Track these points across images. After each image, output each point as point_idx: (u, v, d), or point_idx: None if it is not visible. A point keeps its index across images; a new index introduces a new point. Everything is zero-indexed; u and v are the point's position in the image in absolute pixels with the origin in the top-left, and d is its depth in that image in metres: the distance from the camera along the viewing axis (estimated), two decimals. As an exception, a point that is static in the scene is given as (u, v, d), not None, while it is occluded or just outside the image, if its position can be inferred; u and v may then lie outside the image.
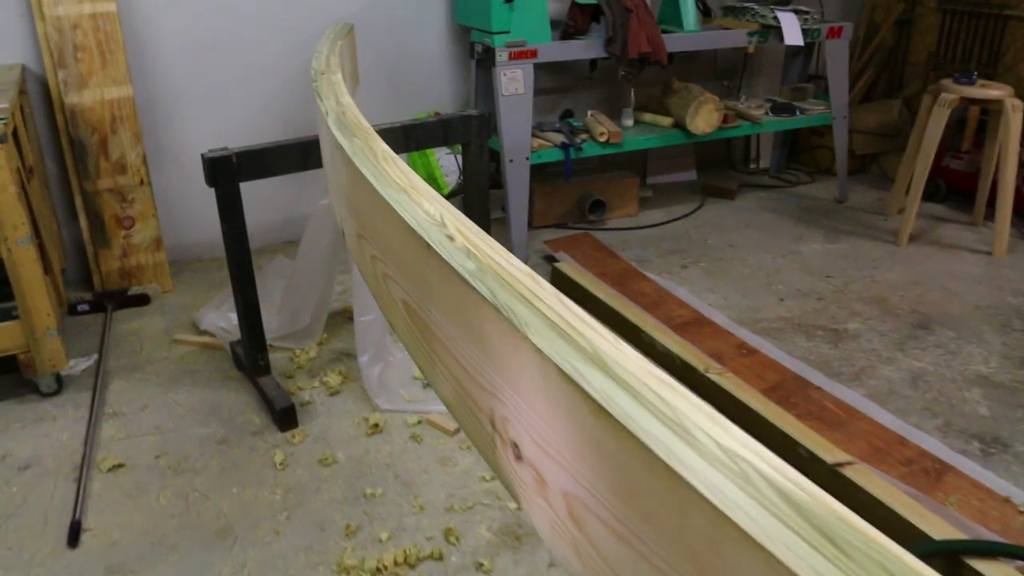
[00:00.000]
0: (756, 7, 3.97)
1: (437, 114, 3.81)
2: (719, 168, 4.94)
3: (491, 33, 3.37)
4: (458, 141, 2.69)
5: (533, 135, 3.56)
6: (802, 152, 5.05)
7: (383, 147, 1.41)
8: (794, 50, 4.50)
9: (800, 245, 3.91)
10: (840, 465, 2.12)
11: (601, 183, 4.07)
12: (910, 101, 4.97)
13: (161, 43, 3.39)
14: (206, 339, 2.97)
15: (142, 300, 3.28)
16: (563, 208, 4.05)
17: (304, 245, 2.73)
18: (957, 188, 4.38)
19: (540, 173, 3.88)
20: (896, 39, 5.05)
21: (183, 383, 2.75)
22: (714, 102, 3.77)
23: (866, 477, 2.05)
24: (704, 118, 3.77)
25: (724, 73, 4.63)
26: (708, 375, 2.66)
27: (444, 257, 0.87)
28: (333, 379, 2.69)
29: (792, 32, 3.90)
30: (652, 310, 3.18)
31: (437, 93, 3.97)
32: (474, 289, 0.77)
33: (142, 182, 3.26)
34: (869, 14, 5.07)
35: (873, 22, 5.07)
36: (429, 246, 0.92)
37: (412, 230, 0.99)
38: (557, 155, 3.61)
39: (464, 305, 0.85)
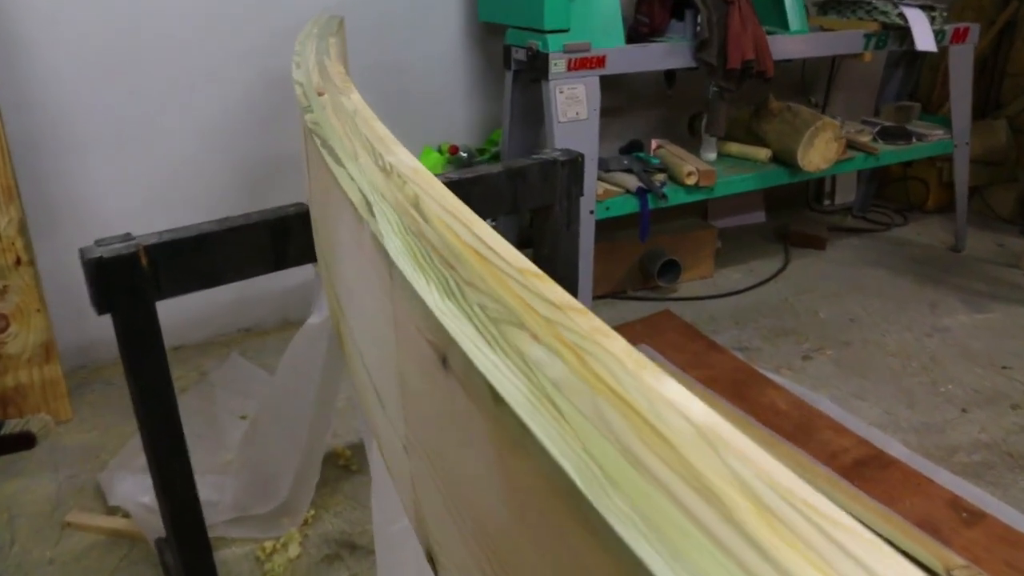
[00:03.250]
0: (872, 1, 2.98)
1: (453, 149, 2.74)
2: (790, 207, 3.94)
3: (541, 32, 2.32)
4: (535, 204, 1.62)
5: (598, 178, 2.51)
6: (885, 185, 4.08)
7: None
8: (895, 59, 3.53)
9: (940, 316, 2.91)
10: None
11: (669, 237, 3.04)
12: (1014, 120, 4.05)
13: (49, 48, 2.26)
14: (118, 522, 1.84)
15: (22, 442, 2.13)
16: (622, 271, 3.00)
17: (280, 381, 1.63)
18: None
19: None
20: (994, 47, 4.12)
21: (74, 618, 1.62)
22: (833, 129, 2.76)
23: None
24: (820, 151, 2.77)
25: (806, 88, 3.64)
26: (955, 581, 1.63)
27: None
28: (332, 605, 1.59)
29: (924, 35, 2.92)
30: (801, 440, 2.14)
31: (450, 119, 2.89)
32: None
33: (19, 261, 2.12)
34: (958, 17, 4.14)
35: (962, 25, 4.14)
36: None
37: None
38: (630, 205, 2.56)
39: None
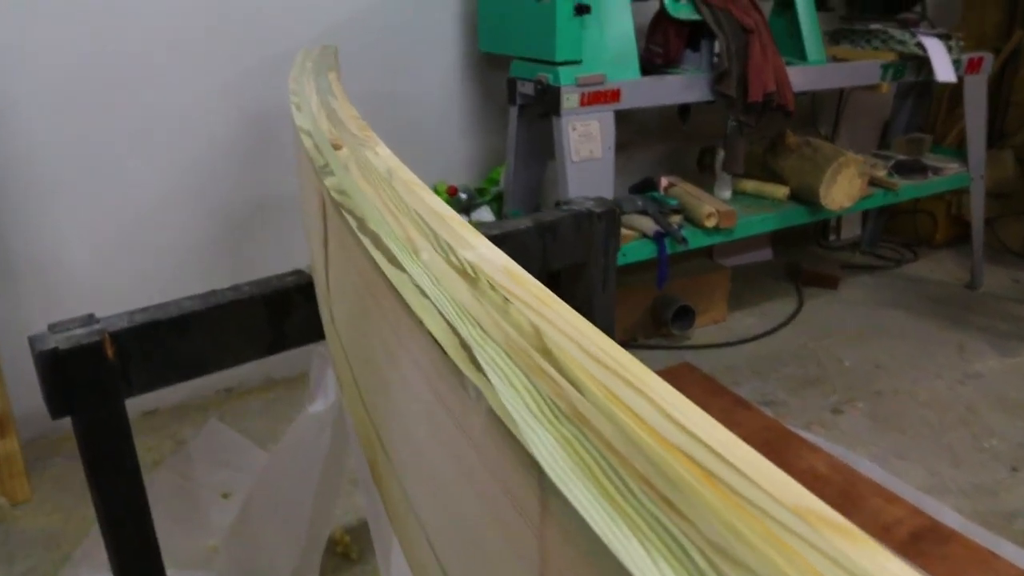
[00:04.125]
0: (888, 30, 2.84)
1: (452, 189, 2.53)
2: (796, 244, 3.77)
3: (552, 64, 2.13)
4: (567, 262, 1.42)
5: (612, 221, 2.31)
6: (892, 219, 3.94)
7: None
8: (905, 90, 3.40)
9: (971, 361, 2.74)
10: None
11: (680, 280, 2.84)
12: (1019, 150, 3.94)
13: (4, 83, 2.03)
14: (80, 631, 1.59)
15: (-30, 530, 1.87)
16: (632, 318, 2.80)
17: (276, 470, 1.40)
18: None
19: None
20: (998, 76, 4.01)
21: None
22: (857, 164, 2.60)
23: None
24: (844, 188, 2.60)
25: (815, 120, 3.49)
26: None
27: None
28: None
29: (943, 65, 2.78)
30: (848, 510, 1.93)
31: (447, 156, 2.69)
32: None
33: (-32, 324, 1.88)
34: (960, 44, 4.03)
35: (963, 54, 4.04)
36: None
37: None
38: (647, 251, 2.37)
39: None
